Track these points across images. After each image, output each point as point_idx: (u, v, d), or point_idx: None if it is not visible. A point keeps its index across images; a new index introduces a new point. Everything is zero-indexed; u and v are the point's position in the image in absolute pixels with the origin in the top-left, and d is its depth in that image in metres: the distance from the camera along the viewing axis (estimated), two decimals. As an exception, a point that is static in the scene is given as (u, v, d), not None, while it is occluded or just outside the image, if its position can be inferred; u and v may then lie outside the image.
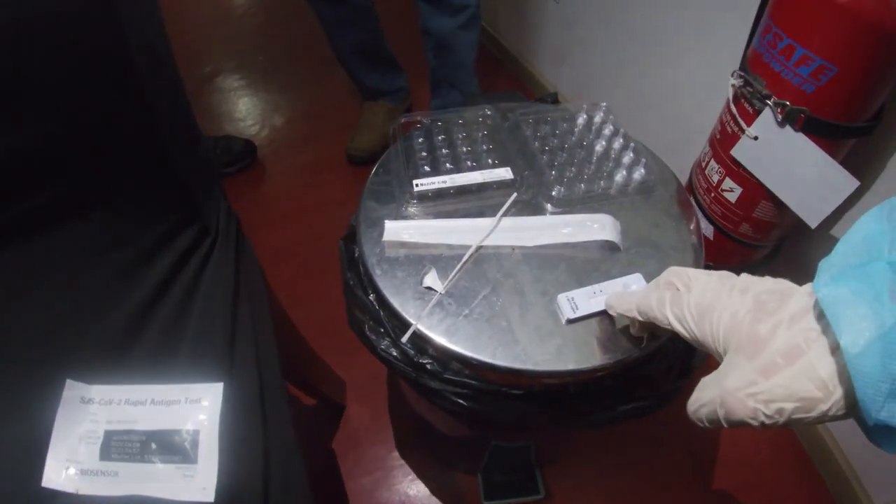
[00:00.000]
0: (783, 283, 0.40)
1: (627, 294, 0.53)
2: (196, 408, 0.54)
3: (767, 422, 0.35)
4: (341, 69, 1.80)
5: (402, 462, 1.20)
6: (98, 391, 0.57)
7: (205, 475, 0.51)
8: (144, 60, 0.54)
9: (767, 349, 0.36)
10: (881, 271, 0.31)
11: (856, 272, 0.32)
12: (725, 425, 0.38)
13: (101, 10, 0.49)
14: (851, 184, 0.89)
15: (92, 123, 0.54)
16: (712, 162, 1.07)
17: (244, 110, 2.05)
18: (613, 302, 0.56)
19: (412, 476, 1.18)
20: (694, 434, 1.26)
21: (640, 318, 0.50)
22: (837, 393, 0.32)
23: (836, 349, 0.33)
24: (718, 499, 1.18)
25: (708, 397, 0.38)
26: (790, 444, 1.26)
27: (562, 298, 0.60)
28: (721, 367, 0.39)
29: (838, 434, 1.18)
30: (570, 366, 0.57)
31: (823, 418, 0.34)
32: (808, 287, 0.38)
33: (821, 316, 0.35)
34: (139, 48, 0.53)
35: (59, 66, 0.50)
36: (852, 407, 0.32)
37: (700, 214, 1.13)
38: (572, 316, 0.59)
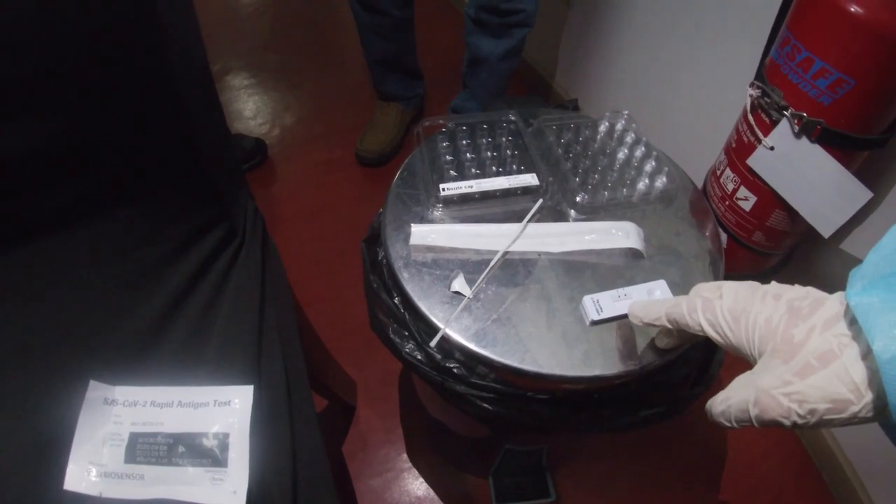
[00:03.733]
0: (814, 291, 0.41)
1: (653, 303, 0.52)
2: (226, 410, 0.54)
3: (800, 421, 0.36)
4: (351, 68, 1.81)
5: (412, 464, 1.20)
6: (122, 392, 0.56)
7: (235, 478, 0.51)
8: (178, 57, 0.55)
9: (802, 351, 0.37)
10: None
11: (887, 282, 0.33)
12: (756, 424, 0.38)
13: (139, 6, 0.49)
14: (865, 195, 0.90)
15: (125, 119, 0.54)
16: (727, 170, 1.07)
17: (254, 109, 2.05)
18: (639, 312, 0.53)
19: (422, 478, 1.18)
20: (702, 440, 1.27)
21: (668, 326, 0.50)
22: (868, 396, 0.33)
23: (867, 354, 0.34)
24: (725, 502, 1.18)
25: (740, 396, 0.39)
26: (796, 451, 1.26)
27: (587, 300, 0.61)
28: (755, 368, 0.40)
29: (843, 441, 1.18)
30: (597, 371, 0.57)
31: (852, 420, 0.35)
32: (838, 295, 0.39)
33: (852, 322, 0.36)
34: (174, 45, 0.54)
35: (93, 61, 0.50)
36: (881, 410, 0.33)
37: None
38: (597, 318, 0.60)
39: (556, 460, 1.18)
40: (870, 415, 0.34)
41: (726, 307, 0.43)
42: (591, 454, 1.23)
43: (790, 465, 1.25)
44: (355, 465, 1.20)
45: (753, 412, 0.38)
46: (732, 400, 0.40)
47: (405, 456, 1.22)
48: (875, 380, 0.33)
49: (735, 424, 0.40)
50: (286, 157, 1.88)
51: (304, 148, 1.91)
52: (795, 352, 0.37)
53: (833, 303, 0.38)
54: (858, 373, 0.34)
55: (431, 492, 1.16)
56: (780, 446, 1.27)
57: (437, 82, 2.03)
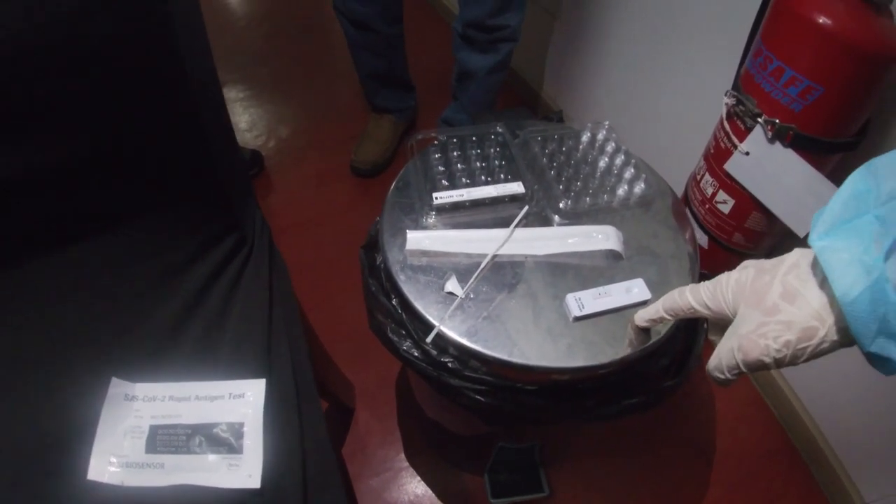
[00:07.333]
0: (779, 257, 0.46)
1: (650, 306, 0.58)
2: (240, 402, 0.58)
3: (778, 356, 0.41)
4: (344, 79, 1.84)
5: (410, 463, 1.24)
6: (142, 388, 0.61)
7: (250, 464, 0.55)
8: (194, 75, 0.59)
9: (769, 295, 0.42)
10: (868, 223, 0.37)
11: (846, 227, 0.38)
12: (744, 368, 0.43)
13: (158, 29, 0.54)
14: (837, 196, 0.95)
15: (146, 135, 0.59)
16: (707, 175, 1.13)
17: (250, 121, 2.09)
18: (644, 315, 0.59)
19: (420, 477, 1.22)
20: (691, 437, 1.31)
21: (666, 317, 0.55)
22: (830, 320, 0.39)
23: (823, 284, 0.39)
24: (715, 495, 1.22)
25: (726, 347, 0.45)
26: (784, 445, 1.31)
27: (570, 298, 0.66)
28: (734, 322, 0.46)
29: (830, 435, 1.23)
30: (579, 363, 0.62)
31: (822, 345, 0.40)
32: (798, 249, 0.44)
33: (814, 263, 0.41)
34: (190, 64, 0.58)
35: (116, 81, 0.55)
36: (844, 334, 0.39)
37: (695, 225, 1.18)
38: (579, 314, 0.65)
39: (548, 457, 1.21)
40: (836, 337, 0.39)
41: (706, 285, 0.49)
42: (582, 451, 1.27)
43: (778, 458, 1.29)
44: (354, 466, 1.23)
45: (738, 357, 0.43)
46: (721, 352, 0.45)
47: (403, 456, 1.25)
48: (835, 306, 0.38)
49: (728, 374, 0.45)
50: (282, 168, 1.92)
51: (300, 159, 1.95)
52: (763, 297, 0.43)
53: (792, 255, 0.44)
54: (818, 301, 0.39)
55: (429, 490, 1.20)
56: (767, 441, 1.32)
57: (428, 93, 2.08)
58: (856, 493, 1.16)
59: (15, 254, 0.61)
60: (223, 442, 0.57)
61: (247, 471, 0.55)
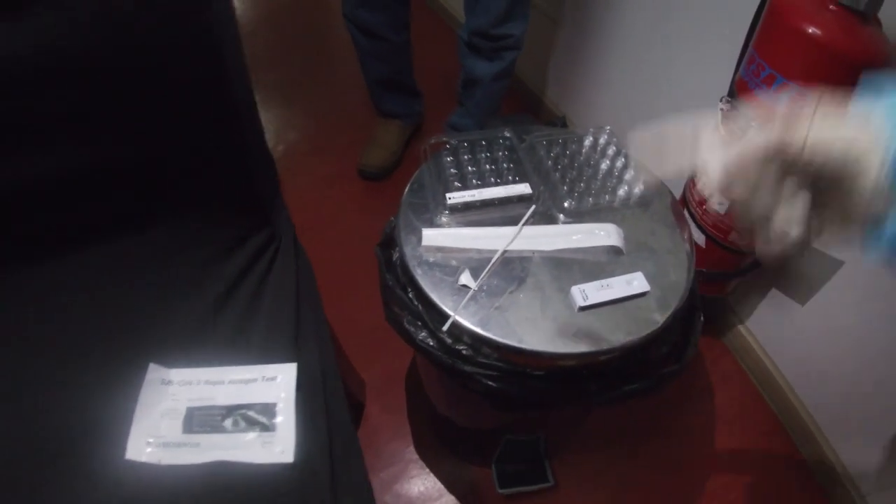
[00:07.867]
0: None
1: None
2: (272, 384, 0.63)
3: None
4: (348, 83, 1.86)
5: (419, 456, 1.28)
6: (177, 374, 0.66)
7: (283, 441, 0.60)
8: (236, 80, 0.64)
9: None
10: None
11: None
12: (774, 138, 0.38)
13: (202, 35, 0.59)
14: (827, 197, 0.99)
15: (191, 138, 0.64)
16: (703, 177, 1.17)
17: (259, 126, 2.12)
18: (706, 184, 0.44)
19: (429, 469, 1.26)
20: (690, 431, 1.36)
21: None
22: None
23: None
24: (714, 486, 1.26)
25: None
26: (781, 440, 1.35)
27: (575, 290, 0.71)
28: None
29: (827, 430, 1.27)
30: (583, 348, 0.68)
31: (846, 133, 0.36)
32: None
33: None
34: (232, 69, 0.63)
35: (167, 89, 0.60)
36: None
37: (693, 224, 1.23)
38: (583, 304, 0.70)
39: (553, 450, 1.26)
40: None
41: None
42: (585, 444, 1.31)
43: (775, 452, 1.33)
44: (366, 459, 1.25)
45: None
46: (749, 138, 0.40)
47: (413, 449, 1.29)
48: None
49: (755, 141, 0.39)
50: (292, 172, 1.94)
51: (308, 163, 1.98)
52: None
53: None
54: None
55: (438, 481, 1.24)
56: (765, 435, 1.36)
57: (434, 98, 2.11)
58: (853, 486, 1.20)
59: (57, 247, 0.65)
60: (256, 422, 0.61)
61: (280, 447, 0.60)
